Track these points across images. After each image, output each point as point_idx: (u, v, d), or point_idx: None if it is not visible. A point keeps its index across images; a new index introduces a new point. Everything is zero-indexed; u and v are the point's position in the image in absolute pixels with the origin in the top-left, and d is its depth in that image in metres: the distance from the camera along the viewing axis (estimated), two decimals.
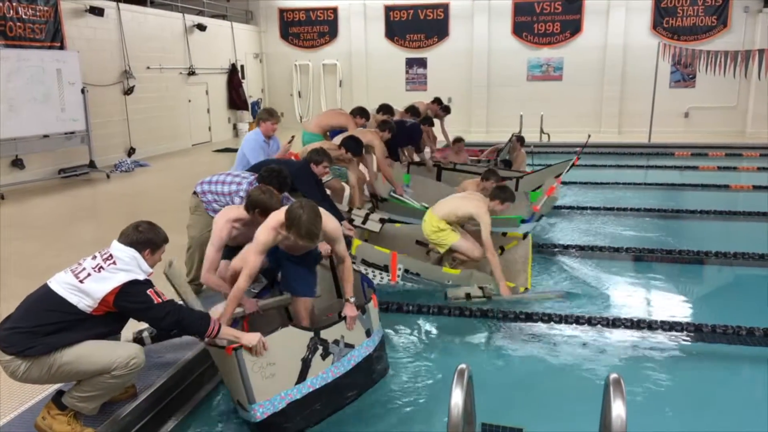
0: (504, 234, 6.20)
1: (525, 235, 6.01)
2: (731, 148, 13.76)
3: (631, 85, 16.35)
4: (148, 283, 3.12)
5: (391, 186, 7.50)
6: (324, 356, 3.46)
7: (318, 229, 3.50)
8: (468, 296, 5.34)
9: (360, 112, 8.11)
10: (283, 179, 4.54)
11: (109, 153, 11.51)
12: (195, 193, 4.87)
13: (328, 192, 6.44)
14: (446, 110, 10.53)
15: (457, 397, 2.09)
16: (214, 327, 3.17)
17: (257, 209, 3.95)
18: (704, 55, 12.51)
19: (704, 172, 11.65)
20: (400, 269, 5.58)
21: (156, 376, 3.69)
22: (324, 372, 3.45)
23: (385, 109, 8.75)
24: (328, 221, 3.73)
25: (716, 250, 6.61)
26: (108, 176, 10.54)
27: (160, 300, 3.08)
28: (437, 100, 10.51)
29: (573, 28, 16.65)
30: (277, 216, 3.65)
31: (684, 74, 16.24)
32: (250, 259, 3.61)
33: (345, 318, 3.64)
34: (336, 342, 3.54)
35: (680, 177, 11.14)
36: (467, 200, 5.67)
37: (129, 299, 3.04)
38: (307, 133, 7.73)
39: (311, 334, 3.44)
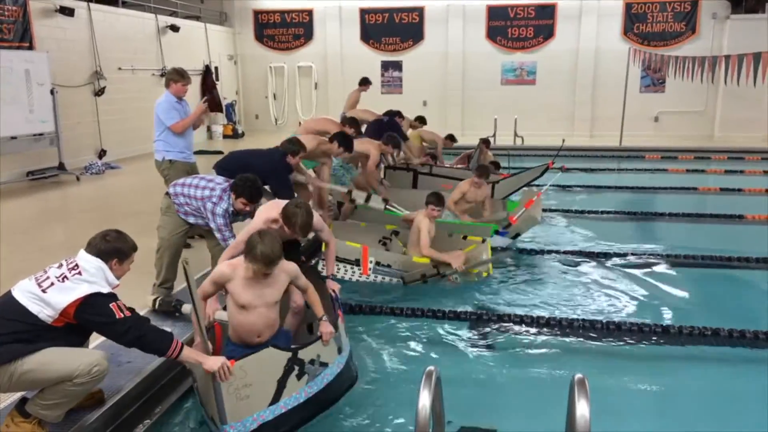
0: (464, 237, 6.25)
1: (483, 240, 6.03)
2: (700, 151, 14.07)
3: (603, 89, 16.60)
4: (111, 296, 3.05)
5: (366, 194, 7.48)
6: (299, 376, 3.41)
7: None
8: (423, 276, 5.57)
9: (351, 122, 8.29)
10: (256, 190, 4.53)
11: (79, 155, 11.31)
12: (168, 194, 4.83)
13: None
14: (421, 121, 10.96)
15: (425, 399, 2.10)
16: (174, 349, 3.07)
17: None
18: (673, 61, 12.77)
19: (674, 174, 11.89)
20: (371, 262, 5.70)
21: (124, 381, 3.63)
22: (297, 392, 3.39)
23: (350, 121, 8.61)
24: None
25: (684, 253, 6.77)
26: (78, 179, 10.36)
27: (122, 315, 3.00)
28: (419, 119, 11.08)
29: (546, 32, 16.85)
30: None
31: (654, 79, 16.55)
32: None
33: (321, 337, 3.61)
34: (312, 362, 3.49)
35: (650, 180, 11.34)
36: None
37: (90, 312, 2.98)
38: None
39: (289, 354, 3.38)
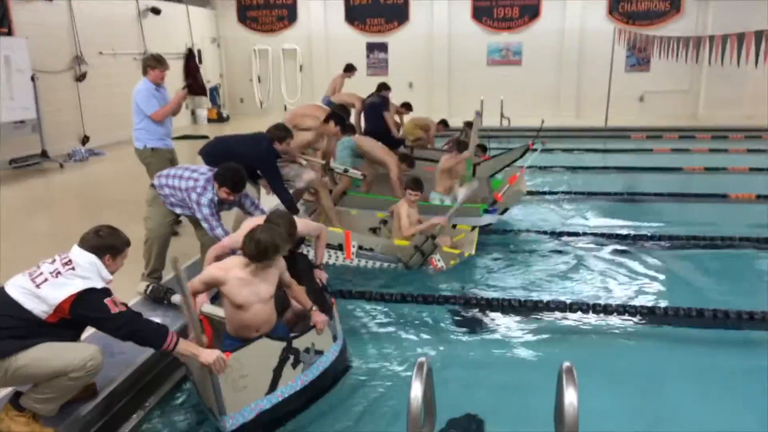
0: (454, 226, 6.32)
1: (473, 228, 6.17)
2: (684, 130, 14.19)
3: (588, 69, 16.60)
4: (105, 292, 3.07)
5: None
6: (294, 365, 3.46)
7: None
8: (417, 248, 5.63)
9: (340, 109, 8.39)
10: (239, 179, 4.52)
11: (62, 142, 11.16)
12: (153, 185, 4.79)
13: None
14: (407, 107, 11.09)
15: (417, 390, 2.13)
16: (171, 341, 3.09)
17: None
18: (658, 41, 12.80)
19: (659, 154, 11.99)
20: (354, 246, 5.80)
21: (116, 373, 3.64)
22: (293, 381, 3.46)
23: (340, 108, 8.68)
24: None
25: (670, 233, 6.86)
26: (61, 166, 10.24)
27: (117, 309, 3.02)
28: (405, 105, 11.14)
29: (531, 12, 16.79)
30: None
31: (639, 58, 16.58)
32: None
33: (314, 326, 3.66)
34: (307, 350, 3.55)
35: (636, 160, 11.43)
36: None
37: (86, 307, 2.99)
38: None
39: (284, 344, 3.43)
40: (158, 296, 4.63)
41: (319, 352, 3.65)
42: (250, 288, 3.43)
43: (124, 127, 13.24)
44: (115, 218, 6.95)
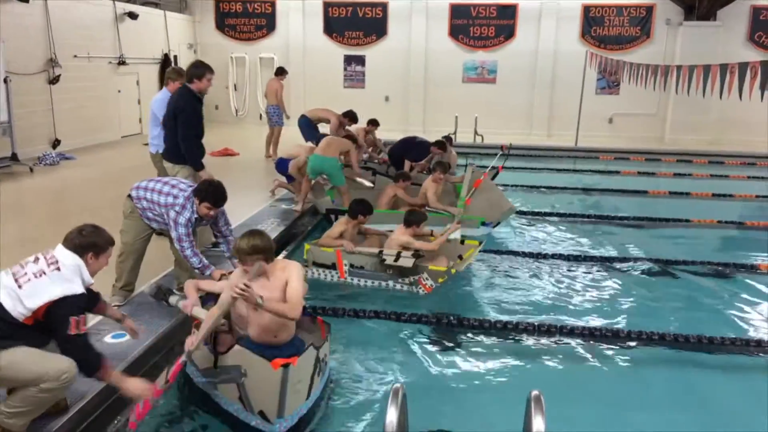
0: (462, 242, 6.43)
1: (480, 243, 6.30)
2: (651, 153, 14.59)
3: (560, 90, 16.98)
4: (78, 308, 3.10)
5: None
6: (319, 373, 3.67)
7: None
8: (398, 256, 5.71)
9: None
10: (220, 194, 4.52)
11: (32, 145, 10.99)
12: (130, 196, 4.76)
13: None
14: (374, 123, 11.03)
15: (392, 416, 2.21)
16: (102, 374, 3.18)
17: None
18: (628, 66, 13.17)
19: (626, 177, 12.29)
20: (346, 265, 5.93)
21: (87, 387, 3.62)
22: (317, 388, 3.68)
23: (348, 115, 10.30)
24: None
25: (635, 256, 7.07)
26: (31, 170, 10.08)
27: (75, 332, 3.05)
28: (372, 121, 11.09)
29: (507, 32, 17.12)
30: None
31: (609, 82, 17.02)
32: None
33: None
34: (323, 359, 3.78)
35: (604, 181, 11.71)
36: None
37: (54, 312, 3.04)
38: (329, 158, 7.95)
39: (316, 352, 3.58)
40: (158, 297, 4.62)
41: (326, 363, 3.89)
42: (266, 292, 3.55)
43: (97, 131, 13.17)
44: None
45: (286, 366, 3.21)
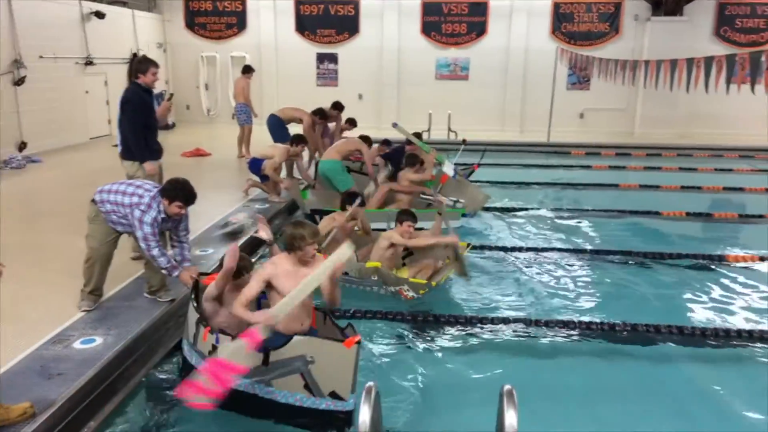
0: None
1: (468, 245, 6.31)
2: (621, 147, 14.80)
3: (532, 86, 17.13)
4: None
5: None
6: None
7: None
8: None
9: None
10: (189, 192, 4.46)
11: None
12: (93, 201, 4.66)
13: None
14: (352, 123, 11.05)
15: (365, 415, 2.20)
16: None
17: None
18: (597, 62, 13.33)
19: (598, 171, 12.45)
20: None
21: (55, 395, 3.55)
22: None
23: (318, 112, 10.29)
24: None
25: (606, 248, 7.17)
26: None
27: None
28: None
29: (478, 29, 17.21)
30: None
31: (580, 77, 17.22)
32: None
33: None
34: None
35: (576, 176, 11.84)
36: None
37: None
38: (327, 161, 8.21)
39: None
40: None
41: None
42: (296, 281, 3.64)
43: (64, 133, 12.91)
44: (54, 230, 6.79)
45: (358, 342, 3.41)
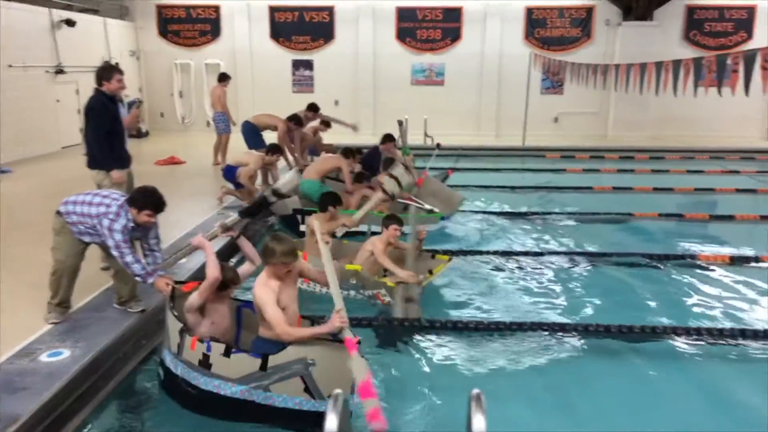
0: (433, 256, 6.34)
1: (450, 259, 6.27)
2: (595, 150, 14.97)
3: (507, 90, 17.23)
4: None
5: None
6: None
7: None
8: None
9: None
10: (158, 199, 4.40)
11: None
12: (59, 212, 4.56)
13: None
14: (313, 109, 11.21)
15: (332, 423, 2.17)
16: None
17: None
18: (570, 66, 13.49)
19: (572, 174, 12.57)
20: None
21: (21, 410, 3.47)
22: None
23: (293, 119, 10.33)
24: None
25: (581, 250, 7.24)
26: None
27: None
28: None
29: (453, 35, 17.30)
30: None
31: (553, 82, 17.39)
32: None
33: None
34: None
35: (551, 179, 11.94)
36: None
37: None
38: (308, 181, 8.15)
39: None
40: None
41: None
42: (287, 292, 3.80)
43: (34, 143, 12.68)
44: (25, 242, 6.65)
45: (359, 343, 3.45)
